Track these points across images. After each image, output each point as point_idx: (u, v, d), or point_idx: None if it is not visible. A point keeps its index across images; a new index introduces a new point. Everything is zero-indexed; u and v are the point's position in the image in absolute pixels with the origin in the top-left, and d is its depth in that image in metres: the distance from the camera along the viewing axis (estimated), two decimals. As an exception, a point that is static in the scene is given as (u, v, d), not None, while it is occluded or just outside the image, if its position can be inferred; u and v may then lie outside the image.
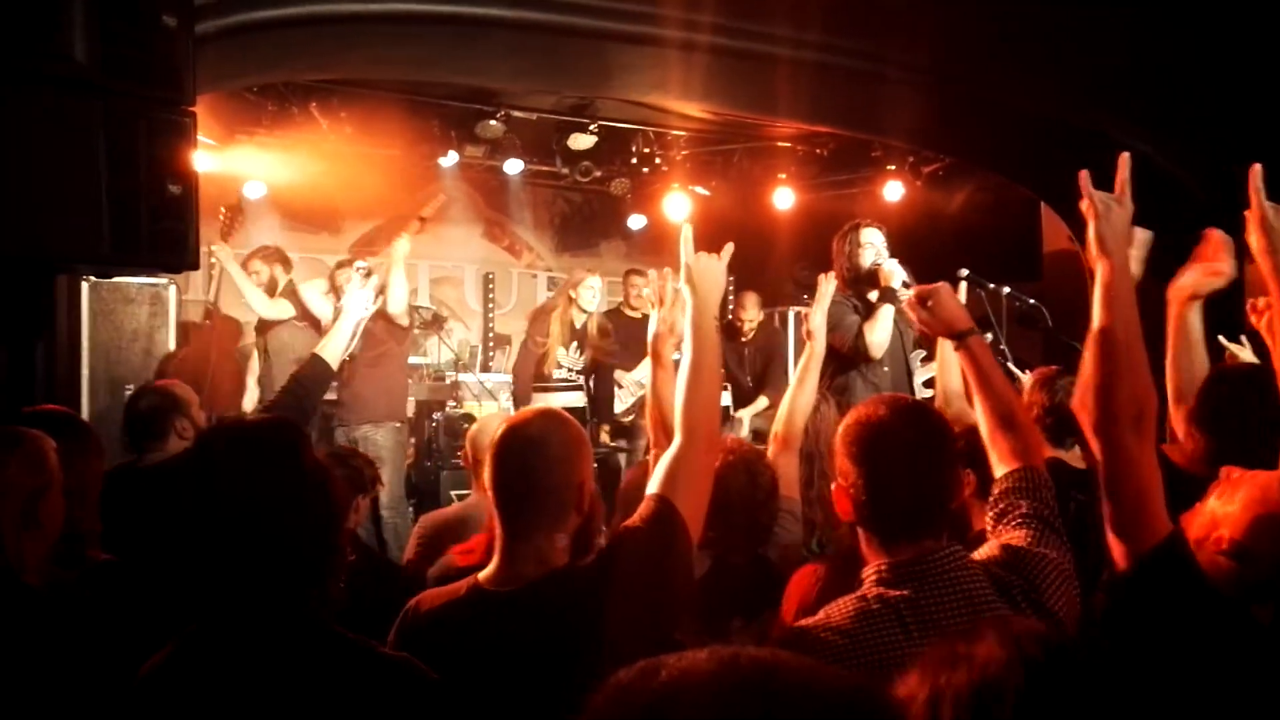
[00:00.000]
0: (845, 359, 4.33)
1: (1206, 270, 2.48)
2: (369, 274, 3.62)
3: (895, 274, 4.30)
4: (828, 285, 3.37)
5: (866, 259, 4.40)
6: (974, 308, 5.13)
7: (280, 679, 1.39)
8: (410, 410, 8.11)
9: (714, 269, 2.05)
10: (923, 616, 1.60)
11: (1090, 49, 4.77)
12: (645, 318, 7.19)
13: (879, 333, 4.30)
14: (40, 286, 3.09)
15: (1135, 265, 2.33)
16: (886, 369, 4.41)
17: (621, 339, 7.01)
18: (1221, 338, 3.48)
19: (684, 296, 2.03)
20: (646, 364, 7.67)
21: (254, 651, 1.41)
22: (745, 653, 0.74)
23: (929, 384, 4.78)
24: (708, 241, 2.10)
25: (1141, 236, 2.43)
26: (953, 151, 6.58)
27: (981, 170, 6.83)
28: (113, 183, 2.39)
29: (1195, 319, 2.62)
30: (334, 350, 3.12)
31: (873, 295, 4.41)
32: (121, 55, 2.36)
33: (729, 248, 2.13)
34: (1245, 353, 3.40)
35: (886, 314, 4.32)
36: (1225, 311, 2.99)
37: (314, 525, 1.46)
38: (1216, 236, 2.49)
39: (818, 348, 3.16)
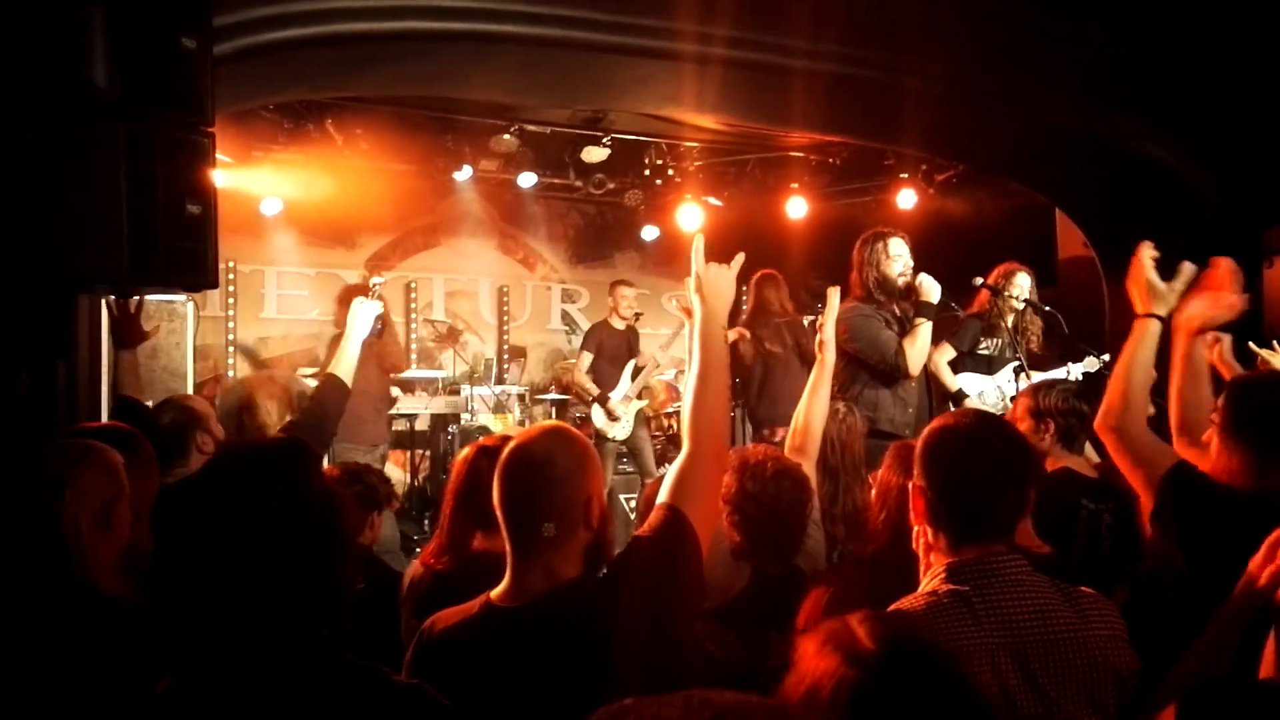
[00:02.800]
0: (876, 372, 4.30)
1: (1216, 302, 2.35)
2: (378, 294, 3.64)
3: (934, 290, 4.29)
4: (835, 297, 3.36)
5: (896, 269, 4.39)
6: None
7: (289, 709, 1.36)
8: (425, 424, 8.17)
9: (724, 279, 2.05)
10: (992, 608, 1.64)
11: (1105, 55, 4.76)
12: (629, 329, 7.24)
13: (919, 350, 4.26)
14: (61, 306, 3.12)
15: (1174, 298, 2.31)
16: (914, 383, 4.38)
17: (607, 352, 7.00)
18: (1252, 344, 3.44)
19: (694, 306, 2.04)
20: (626, 380, 7.71)
21: (260, 680, 1.37)
22: (716, 700, 0.74)
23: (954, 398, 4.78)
24: (721, 252, 2.10)
25: (1186, 270, 2.35)
26: (967, 159, 6.57)
27: (995, 177, 6.81)
28: (133, 203, 2.41)
29: (1201, 352, 2.52)
30: (346, 367, 3.16)
31: (895, 308, 4.39)
32: (141, 78, 2.39)
33: (739, 258, 2.14)
34: (1277, 359, 3.34)
35: (926, 331, 4.28)
36: (1244, 324, 2.95)
37: (320, 549, 1.42)
38: (1226, 266, 2.36)
39: (829, 358, 3.14)
